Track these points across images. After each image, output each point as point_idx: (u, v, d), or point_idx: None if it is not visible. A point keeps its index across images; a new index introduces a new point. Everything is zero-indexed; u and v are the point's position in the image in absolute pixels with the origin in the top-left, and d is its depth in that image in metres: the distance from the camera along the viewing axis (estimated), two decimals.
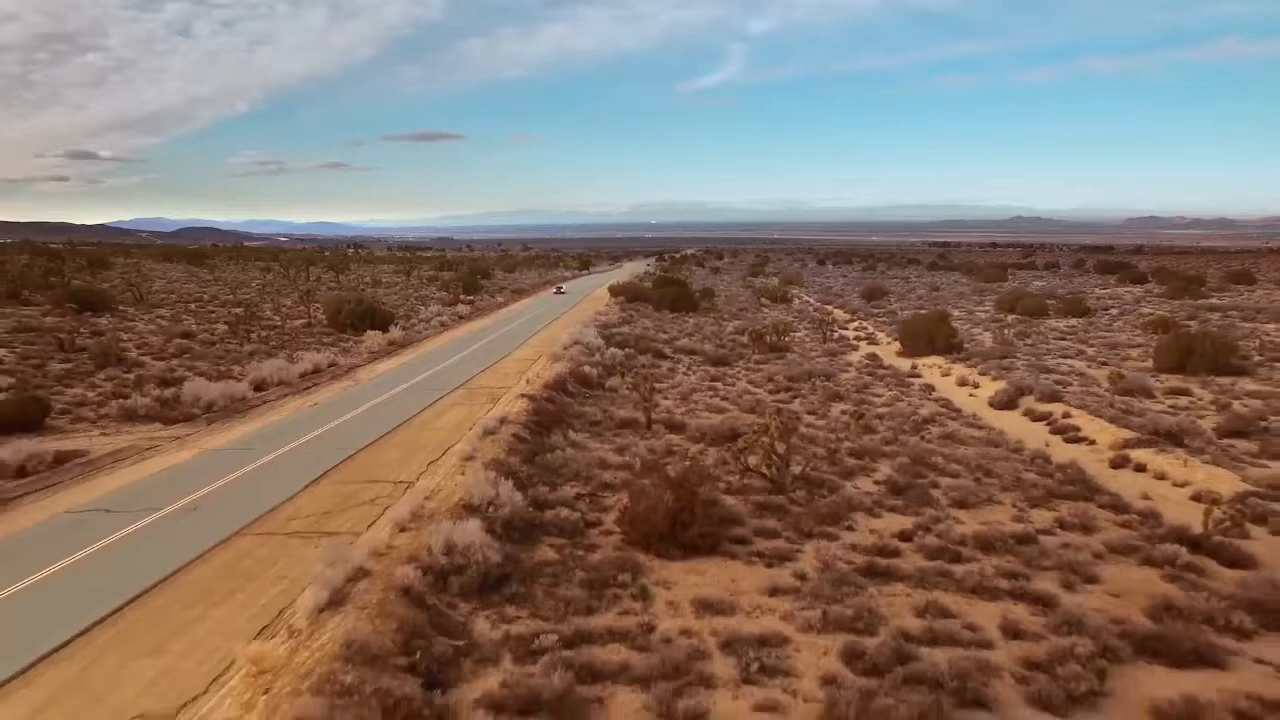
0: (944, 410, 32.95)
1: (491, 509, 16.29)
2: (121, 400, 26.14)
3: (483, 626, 13.01)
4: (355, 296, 52.64)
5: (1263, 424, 29.04)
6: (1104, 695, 11.45)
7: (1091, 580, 15.79)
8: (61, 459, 20.75)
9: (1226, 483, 22.52)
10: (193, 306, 56.37)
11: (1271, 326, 58.24)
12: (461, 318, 59.54)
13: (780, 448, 20.66)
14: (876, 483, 22.03)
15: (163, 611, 12.71)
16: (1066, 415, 31.45)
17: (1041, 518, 19.50)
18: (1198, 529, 17.93)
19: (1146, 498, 21.94)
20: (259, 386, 30.52)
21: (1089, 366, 43.57)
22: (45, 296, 50.85)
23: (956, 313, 71.03)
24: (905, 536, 17.89)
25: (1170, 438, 27.43)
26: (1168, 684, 11.67)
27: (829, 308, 76.26)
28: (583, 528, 17.62)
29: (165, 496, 18.21)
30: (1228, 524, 17.80)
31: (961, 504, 20.33)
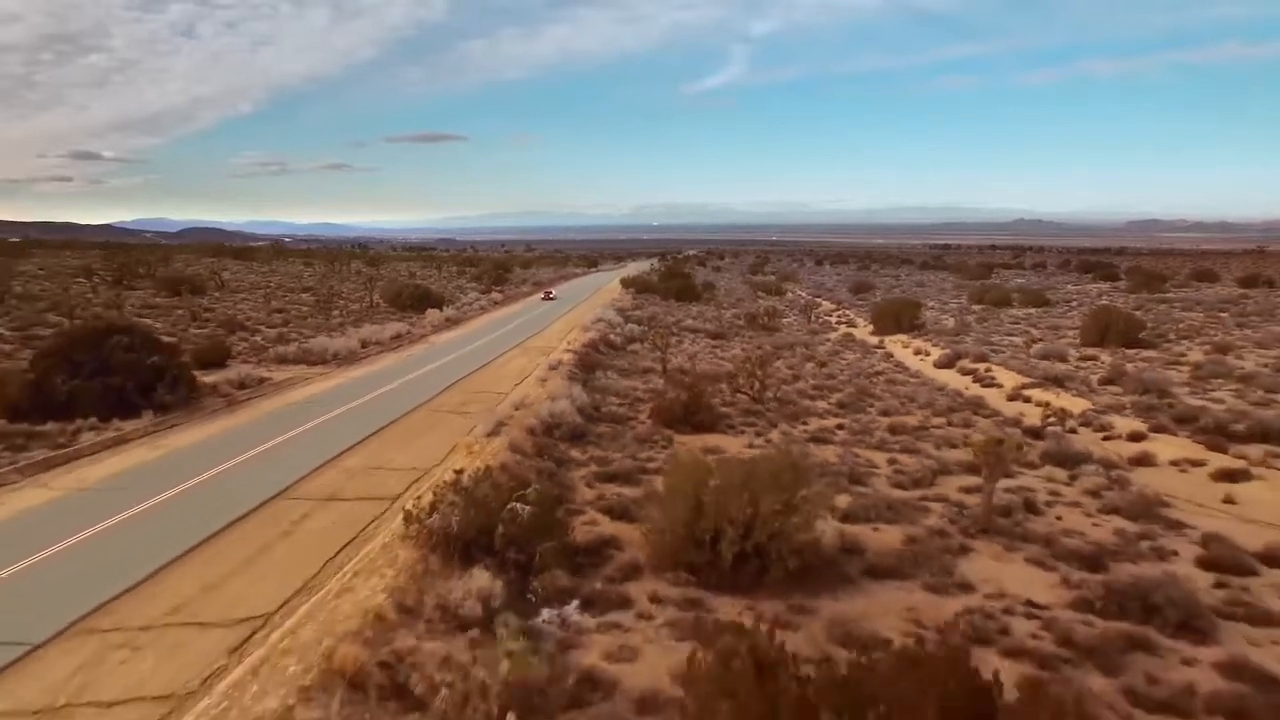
0: (894, 367, 42.26)
1: (569, 400, 25.59)
2: (276, 348, 35.44)
3: (575, 453, 22.29)
4: (412, 283, 61.97)
5: (1131, 367, 38.36)
6: (935, 485, 20.66)
7: (955, 447, 25.03)
8: (260, 381, 30.07)
9: (1079, 405, 31.76)
10: (266, 292, 65.66)
11: (1199, 315, 67.53)
12: (496, 303, 69.01)
13: (760, 374, 29.94)
14: (829, 404, 31.29)
15: (392, 439, 22.14)
16: (989, 370, 40.72)
17: (938, 421, 28.75)
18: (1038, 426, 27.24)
19: (1020, 414, 31.20)
20: (363, 344, 39.86)
21: (1026, 342, 52.85)
22: (149, 282, 60.23)
23: (932, 304, 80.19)
24: (840, 428, 27.16)
25: (1058, 382, 36.71)
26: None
27: (817, 299, 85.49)
28: (625, 419, 26.90)
29: (351, 396, 27.70)
30: (1052, 421, 27.14)
31: (885, 413, 29.64)
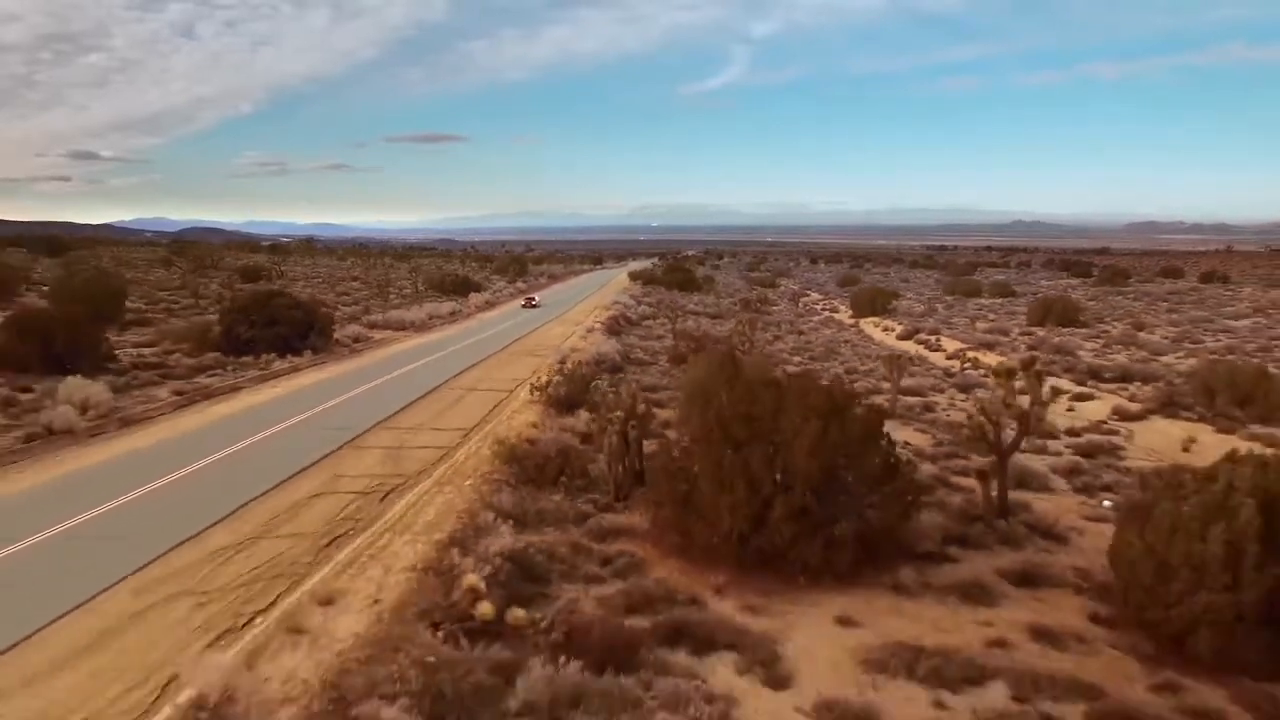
0: (861, 338, 51.95)
1: (609, 348, 35.23)
2: (365, 317, 45.07)
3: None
4: (453, 271, 71.72)
5: (1057, 339, 48.09)
6: (870, 397, 30.24)
7: (888, 381, 34.56)
8: (366, 338, 39.65)
9: (996, 360, 41.35)
10: (319, 280, 75.22)
11: (1142, 304, 77.31)
12: (522, 291, 78.70)
13: (749, 334, 39.57)
14: (803, 359, 40.93)
15: (490, 366, 31.88)
16: (938, 339, 50.35)
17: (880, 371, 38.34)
18: (957, 373, 36.85)
19: (949, 366, 40.79)
20: (429, 317, 49.47)
21: (971, 320, 62.56)
22: (218, 271, 69.92)
23: (910, 295, 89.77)
24: (807, 367, 36.78)
25: (989, 347, 46.32)
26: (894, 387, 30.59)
27: (807, 291, 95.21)
28: (648, 362, 36.51)
29: (442, 347, 37.49)
30: (968, 367, 36.79)
31: (844, 364, 39.23)
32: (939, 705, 9.58)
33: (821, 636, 11.10)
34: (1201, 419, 28.02)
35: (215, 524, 13.47)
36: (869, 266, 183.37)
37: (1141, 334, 54.59)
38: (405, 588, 10.75)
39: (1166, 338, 52.06)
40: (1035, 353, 32.35)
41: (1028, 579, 13.30)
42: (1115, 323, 61.49)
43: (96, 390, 21.89)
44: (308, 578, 11.29)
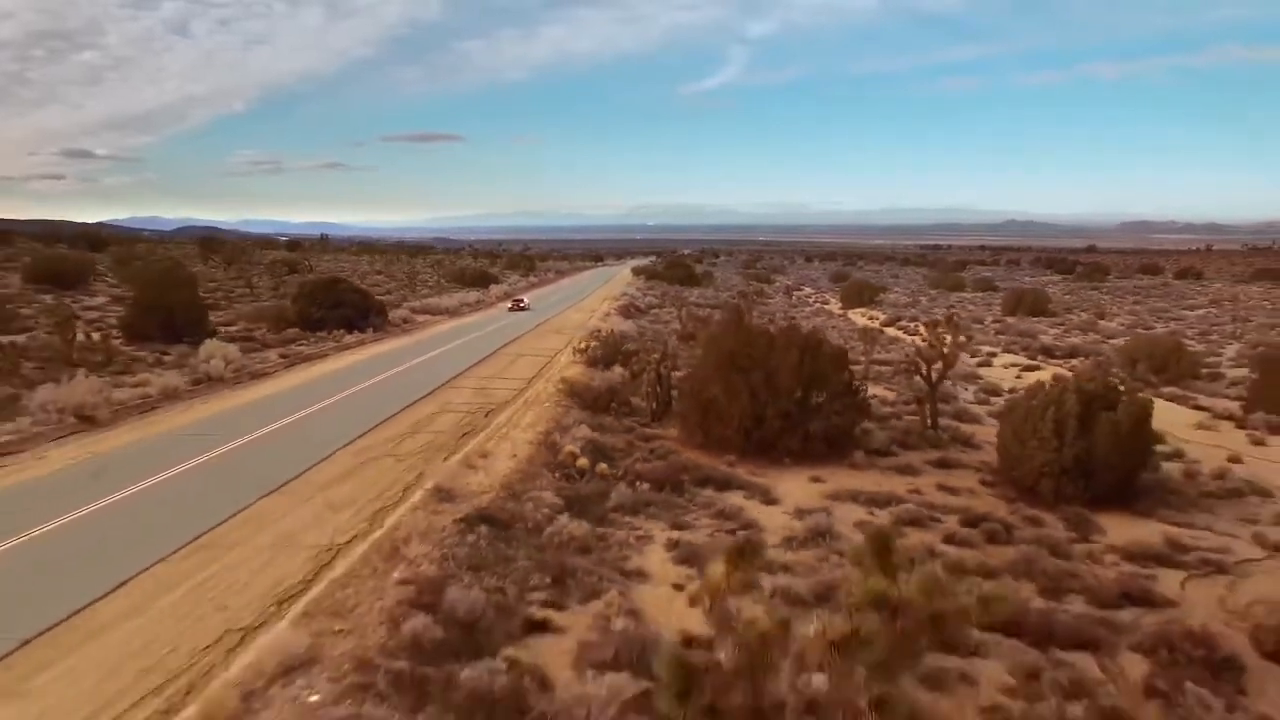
0: (847, 325, 57.89)
1: (625, 325, 41.17)
2: (406, 303, 50.91)
3: None
4: (474, 265, 77.68)
5: (1023, 325, 54.13)
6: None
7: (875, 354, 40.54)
8: (411, 321, 45.51)
9: (977, 342, 47.27)
10: (348, 275, 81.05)
11: (1111, 296, 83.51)
12: (534, 284, 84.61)
13: (748, 316, 45.52)
14: None
15: (528, 341, 37.86)
16: (916, 325, 56.34)
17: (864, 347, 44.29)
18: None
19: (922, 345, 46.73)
20: (460, 304, 55.33)
21: (961, 312, 68.54)
22: (253, 265, 75.84)
23: (898, 289, 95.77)
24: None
25: (963, 329, 52.36)
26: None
27: (801, 285, 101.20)
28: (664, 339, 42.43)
29: (479, 327, 43.38)
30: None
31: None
32: (870, 514, 15.53)
33: (799, 486, 17.05)
34: (1123, 383, 34.03)
35: (378, 425, 19.41)
36: (862, 264, 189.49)
37: (1101, 321, 60.72)
38: (529, 452, 16.68)
39: (1122, 324, 58.20)
40: (954, 311, 38.34)
41: (944, 464, 19.32)
42: (1081, 312, 67.60)
43: (232, 350, 27.76)
44: (460, 449, 17.23)
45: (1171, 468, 19.50)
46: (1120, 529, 15.22)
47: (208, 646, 8.70)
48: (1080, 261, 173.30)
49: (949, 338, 22.41)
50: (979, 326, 57.81)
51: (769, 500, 15.99)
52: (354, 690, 7.49)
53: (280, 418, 20.04)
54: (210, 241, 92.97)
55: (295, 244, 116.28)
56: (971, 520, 15.32)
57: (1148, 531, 15.05)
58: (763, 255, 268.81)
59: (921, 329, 26.10)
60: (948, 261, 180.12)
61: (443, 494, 13.47)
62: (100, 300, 46.86)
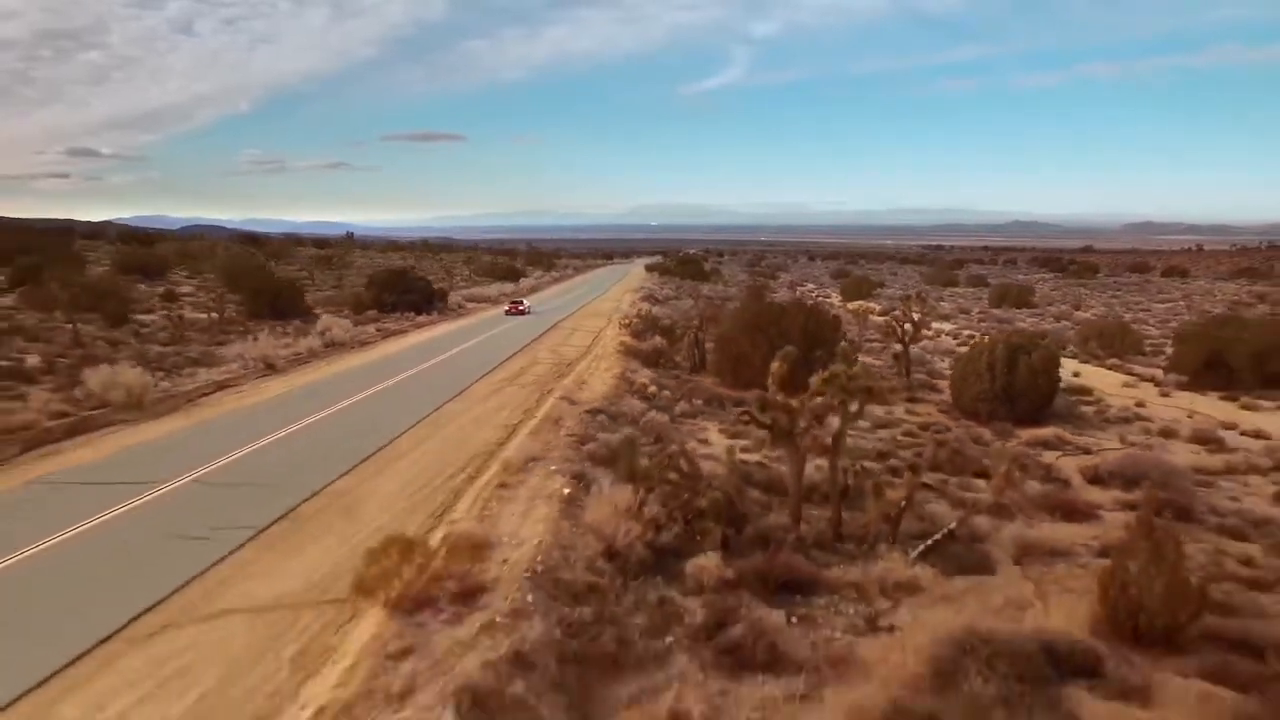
0: (845, 314, 64.65)
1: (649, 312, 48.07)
2: (454, 293, 57.76)
3: None
4: (503, 261, 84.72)
5: (1004, 314, 60.96)
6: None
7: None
8: (462, 305, 52.34)
9: (951, 327, 54.08)
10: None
11: (1093, 291, 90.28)
12: (556, 279, 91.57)
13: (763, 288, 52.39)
14: None
15: (573, 321, 44.74)
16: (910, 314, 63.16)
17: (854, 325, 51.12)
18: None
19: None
20: (499, 294, 62.18)
21: (949, 304, 75.37)
22: (295, 260, 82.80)
23: (897, 286, 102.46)
24: None
25: (948, 318, 59.14)
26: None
27: (804, 281, 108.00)
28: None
29: (537, 302, 50.09)
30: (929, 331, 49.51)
31: None
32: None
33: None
34: (1075, 356, 40.78)
35: (489, 372, 26.30)
36: (863, 263, 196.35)
37: (1077, 312, 67.51)
38: (612, 383, 23.53)
39: (1095, 314, 65.01)
40: (923, 289, 45.09)
41: (913, 400, 26.07)
42: (1061, 304, 74.36)
43: (344, 323, 34.57)
44: (563, 381, 24.04)
45: (1088, 410, 26.23)
46: (1029, 433, 22.01)
47: (473, 457, 15.49)
48: (1074, 260, 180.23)
49: (918, 309, 29.14)
50: (965, 316, 64.55)
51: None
52: (568, 463, 14.29)
53: (411, 367, 26.84)
54: (255, 239, 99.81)
55: (323, 242, 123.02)
56: (924, 426, 22.11)
57: (1047, 434, 21.81)
58: (765, 255, 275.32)
59: (900, 305, 32.79)
60: (945, 260, 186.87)
61: (567, 399, 20.30)
62: (185, 289, 53.68)
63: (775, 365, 12.47)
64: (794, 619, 9.18)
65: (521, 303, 53.73)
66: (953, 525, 12.12)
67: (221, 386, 23.46)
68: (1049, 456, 19.58)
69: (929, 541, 11.43)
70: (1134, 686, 7.81)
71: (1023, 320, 59.27)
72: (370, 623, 8.22)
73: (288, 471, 14.25)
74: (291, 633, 8.24)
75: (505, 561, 9.63)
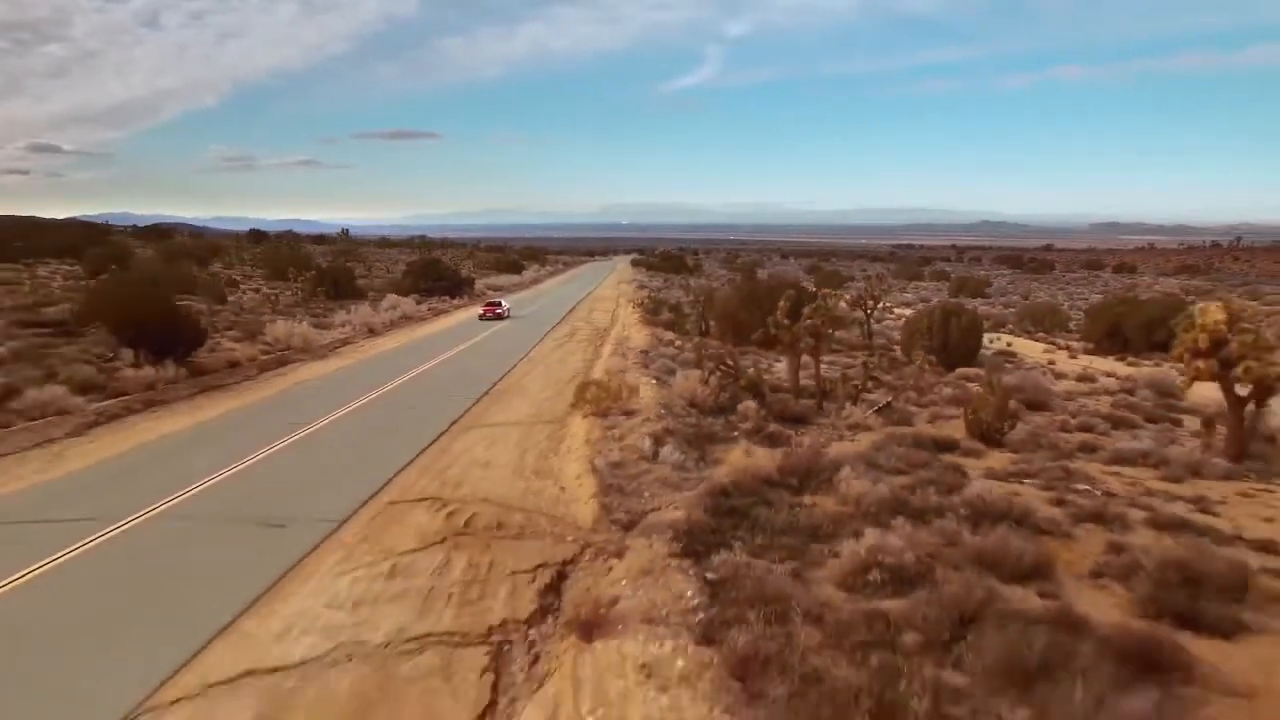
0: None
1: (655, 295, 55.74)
2: (477, 281, 65.10)
3: None
4: (506, 255, 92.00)
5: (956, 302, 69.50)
6: None
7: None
8: (484, 292, 59.70)
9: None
10: (391, 263, 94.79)
11: (1044, 284, 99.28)
12: (553, 272, 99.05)
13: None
14: None
15: (590, 303, 52.16)
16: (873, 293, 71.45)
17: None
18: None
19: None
20: (514, 283, 69.50)
21: (910, 294, 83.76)
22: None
23: (862, 281, 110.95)
24: None
25: (909, 306, 67.48)
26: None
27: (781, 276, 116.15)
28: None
29: (546, 295, 57.55)
30: (890, 313, 57.72)
31: None
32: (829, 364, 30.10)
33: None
34: (1012, 332, 49.01)
35: (544, 336, 33.70)
36: (834, 260, 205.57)
37: (1025, 301, 76.05)
38: (648, 339, 31.25)
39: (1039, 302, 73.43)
40: (885, 271, 53.20)
41: (872, 354, 33.91)
42: (1013, 295, 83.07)
43: (409, 300, 41.84)
44: (608, 340, 31.61)
45: (1010, 364, 34.22)
46: (958, 372, 29.90)
47: (575, 373, 23.03)
48: (1033, 258, 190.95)
49: (879, 288, 37.10)
50: (924, 304, 72.80)
51: (773, 363, 30.52)
52: (644, 372, 21.89)
53: (478, 334, 34.23)
54: (258, 235, 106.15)
55: (321, 239, 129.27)
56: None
57: (974, 373, 29.72)
58: (740, 253, 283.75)
59: (865, 285, 40.54)
60: (913, 258, 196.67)
61: (620, 347, 27.90)
62: (235, 275, 60.45)
63: (781, 303, 20.06)
64: (798, 432, 16.82)
65: (499, 304, 45.29)
66: (890, 399, 19.89)
67: (345, 342, 30.75)
68: (973, 387, 27.47)
69: (876, 407, 19.12)
70: (973, 450, 15.57)
71: (975, 306, 67.73)
72: (581, 423, 15.78)
73: (459, 381, 21.74)
74: (539, 428, 15.84)
75: (638, 404, 17.25)
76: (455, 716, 6.22)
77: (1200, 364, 14.42)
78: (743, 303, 34.27)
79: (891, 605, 7.43)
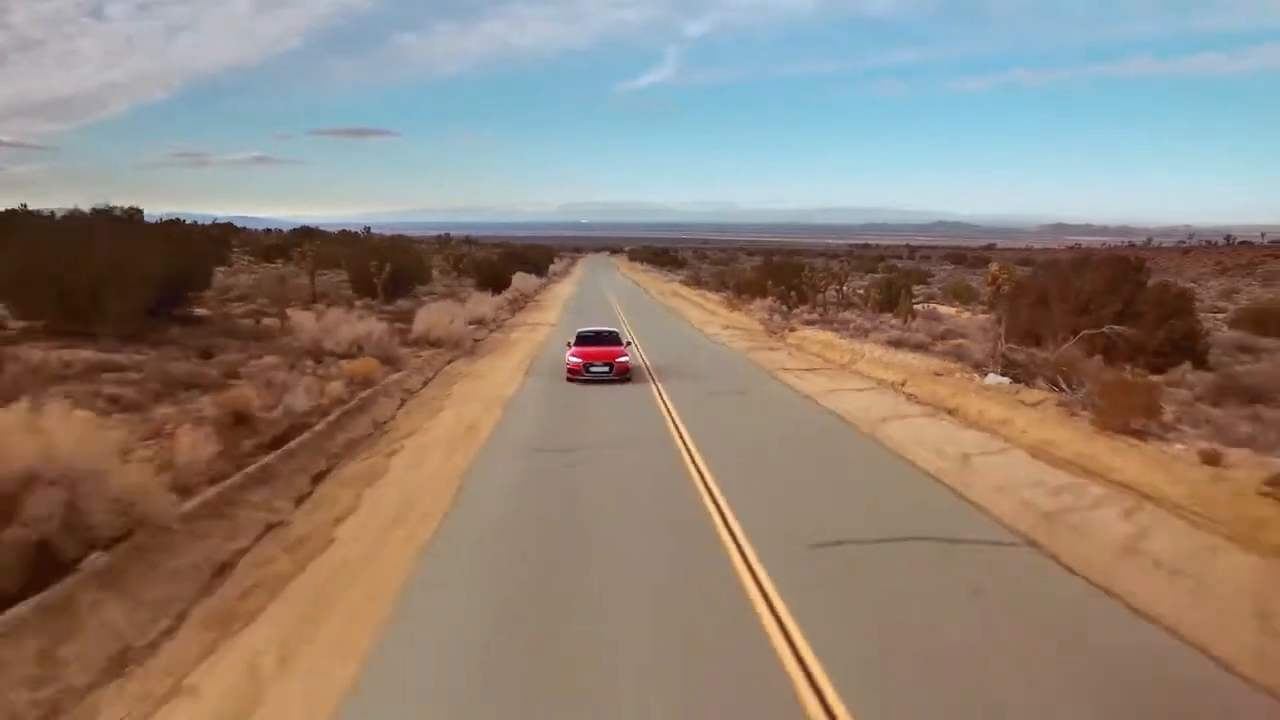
0: None
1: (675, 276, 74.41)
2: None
3: None
4: (520, 253, 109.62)
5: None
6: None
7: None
8: (555, 273, 77.89)
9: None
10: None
11: (979, 279, 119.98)
12: (568, 267, 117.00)
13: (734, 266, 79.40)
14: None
15: (618, 281, 70.61)
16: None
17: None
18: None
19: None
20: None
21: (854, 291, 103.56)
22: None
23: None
24: None
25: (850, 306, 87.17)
26: None
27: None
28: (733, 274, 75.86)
29: (581, 283, 76.03)
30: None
31: None
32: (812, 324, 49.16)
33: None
34: (939, 302, 68.64)
35: (638, 295, 52.09)
36: (798, 258, 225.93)
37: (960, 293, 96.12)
38: (726, 304, 49.92)
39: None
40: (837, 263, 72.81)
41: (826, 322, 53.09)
42: (949, 282, 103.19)
43: (531, 277, 60.05)
44: (679, 296, 50.31)
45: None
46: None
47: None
48: (976, 256, 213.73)
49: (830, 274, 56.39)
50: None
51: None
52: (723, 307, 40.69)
53: (615, 296, 52.42)
54: (306, 231, 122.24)
55: (308, 231, 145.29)
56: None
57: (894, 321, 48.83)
58: (706, 253, 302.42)
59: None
60: (868, 257, 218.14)
61: (700, 301, 46.57)
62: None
63: (804, 273, 39.03)
64: (832, 323, 35.64)
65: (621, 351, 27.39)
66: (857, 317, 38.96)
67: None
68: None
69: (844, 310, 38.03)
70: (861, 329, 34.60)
71: (917, 298, 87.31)
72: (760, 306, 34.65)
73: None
74: (719, 312, 34.66)
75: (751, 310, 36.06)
76: None
77: (988, 287, 33.45)
78: (761, 275, 53.19)
79: None
